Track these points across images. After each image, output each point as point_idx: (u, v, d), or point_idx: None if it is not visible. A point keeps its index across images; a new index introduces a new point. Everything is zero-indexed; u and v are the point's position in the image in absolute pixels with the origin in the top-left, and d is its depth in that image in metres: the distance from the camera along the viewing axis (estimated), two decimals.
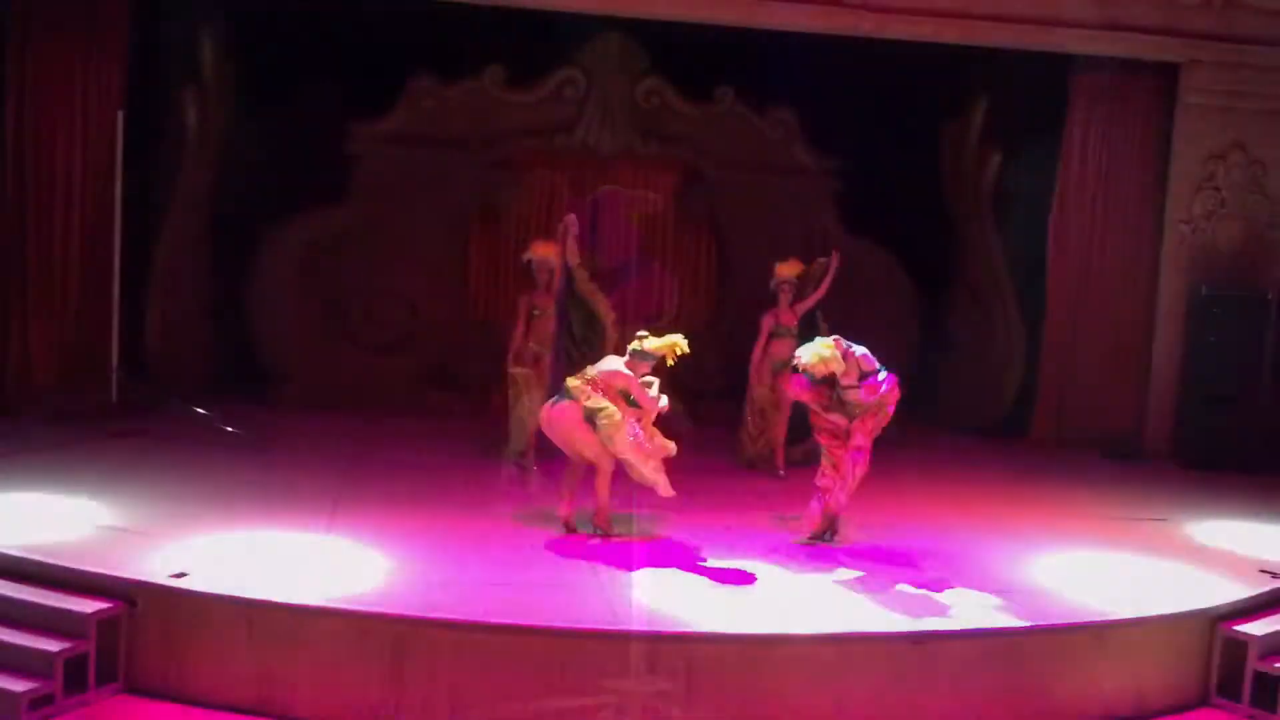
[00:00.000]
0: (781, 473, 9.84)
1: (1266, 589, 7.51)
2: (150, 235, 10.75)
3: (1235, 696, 7.02)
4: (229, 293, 11.41)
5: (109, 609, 6.27)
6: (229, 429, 9.61)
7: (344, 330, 11.64)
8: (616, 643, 6.26)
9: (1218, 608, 7.23)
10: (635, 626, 6.34)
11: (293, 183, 11.29)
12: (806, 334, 9.05)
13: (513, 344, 9.55)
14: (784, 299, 9.94)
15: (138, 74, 10.47)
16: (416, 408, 11.40)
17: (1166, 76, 11.14)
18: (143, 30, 10.56)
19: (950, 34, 10.75)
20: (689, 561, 7.44)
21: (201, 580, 6.44)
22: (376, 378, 11.54)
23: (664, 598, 6.75)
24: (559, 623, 6.31)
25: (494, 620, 6.27)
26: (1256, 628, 7.12)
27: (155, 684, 6.32)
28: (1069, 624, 6.83)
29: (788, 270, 9.97)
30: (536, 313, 9.53)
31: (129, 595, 6.35)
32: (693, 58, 11.63)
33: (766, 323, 9.98)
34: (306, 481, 8.66)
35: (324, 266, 11.60)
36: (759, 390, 10.05)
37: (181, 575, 6.45)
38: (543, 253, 9.53)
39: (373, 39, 11.17)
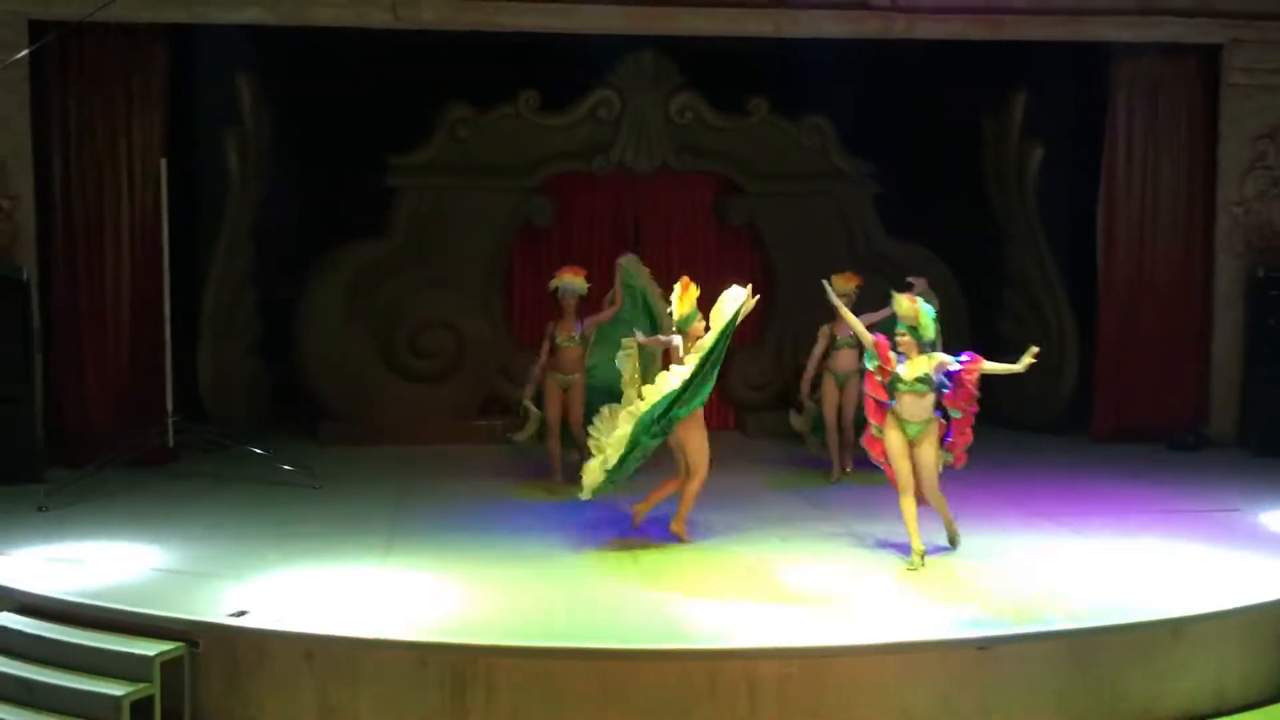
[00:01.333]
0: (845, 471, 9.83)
1: None
2: (198, 278, 10.89)
3: None
4: (277, 331, 11.53)
5: (172, 650, 6.32)
6: (284, 466, 9.68)
7: (391, 362, 11.69)
8: (676, 661, 6.21)
9: None
10: (695, 644, 6.28)
11: (335, 218, 11.42)
12: None
13: (535, 374, 9.52)
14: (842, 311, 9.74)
15: (179, 120, 10.65)
16: (465, 436, 11.43)
17: (1208, 58, 10.96)
18: (182, 77, 10.75)
19: (980, 31, 10.67)
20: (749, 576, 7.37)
21: (261, 618, 6.48)
22: (425, 408, 11.59)
23: (722, 612, 6.68)
24: (617, 644, 6.26)
25: (552, 644, 6.24)
26: None
27: (218, 718, 6.36)
28: (1142, 621, 6.67)
29: (844, 284, 9.73)
30: (560, 340, 9.45)
31: (191, 636, 6.40)
32: (725, 70, 11.63)
33: (824, 333, 9.85)
34: (360, 514, 8.70)
35: (369, 300, 11.68)
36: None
37: (241, 614, 6.50)
38: (570, 279, 9.50)
39: (407, 71, 11.27)
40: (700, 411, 7.92)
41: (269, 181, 11.35)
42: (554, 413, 9.51)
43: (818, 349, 9.89)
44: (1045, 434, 11.57)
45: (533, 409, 9.52)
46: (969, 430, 7.89)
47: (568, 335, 9.43)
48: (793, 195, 11.99)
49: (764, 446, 11.43)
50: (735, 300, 7.83)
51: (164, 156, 10.02)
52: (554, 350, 9.45)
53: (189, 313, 10.66)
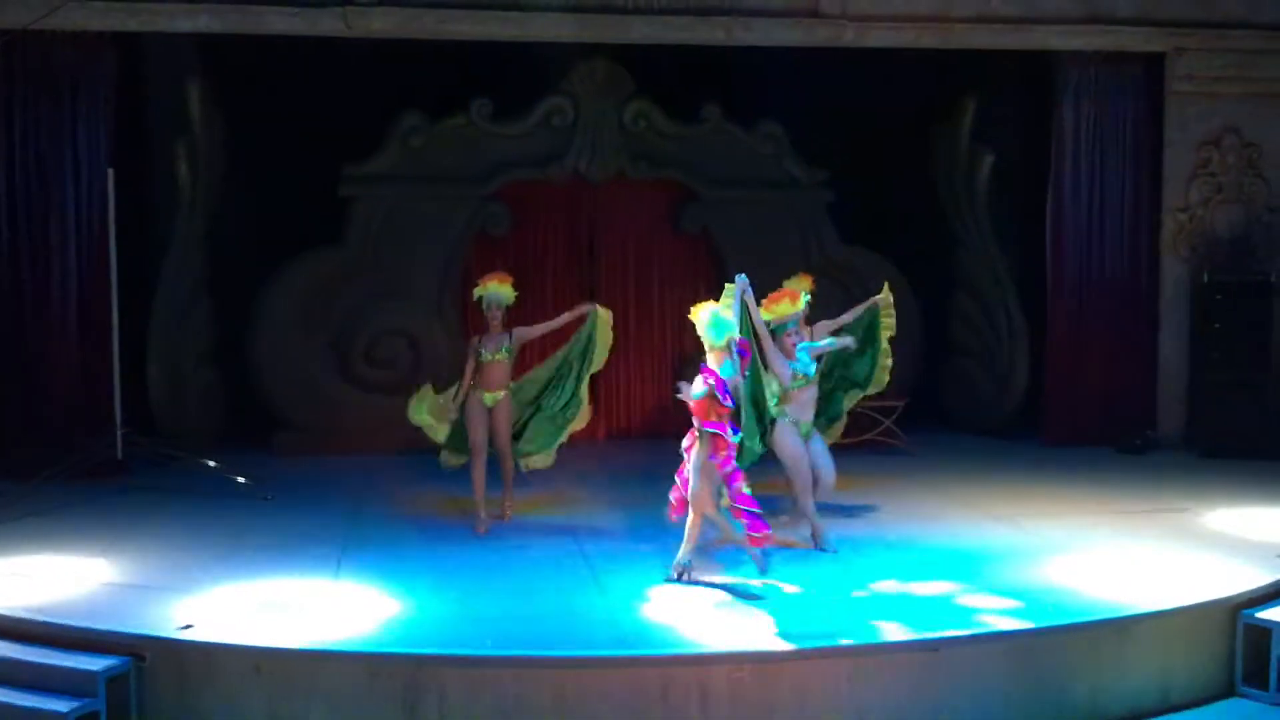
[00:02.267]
0: None
1: None
2: (147, 289, 10.78)
3: (1261, 685, 6.93)
4: (229, 341, 11.43)
5: (118, 665, 6.24)
6: (237, 479, 9.60)
7: (346, 372, 11.62)
8: (629, 669, 6.21)
9: (1240, 596, 7.16)
10: (647, 652, 6.28)
11: (288, 228, 11.33)
12: None
13: (460, 391, 8.60)
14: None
15: (129, 128, 10.53)
16: (422, 445, 11.36)
17: (1153, 66, 11.12)
18: (131, 85, 10.64)
19: (930, 39, 10.77)
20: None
21: (210, 631, 6.42)
22: (380, 418, 11.50)
23: (674, 619, 6.69)
24: (569, 653, 6.25)
25: (504, 654, 6.22)
26: (1279, 614, 7.02)
27: None
28: (1090, 621, 6.74)
29: (800, 283, 9.53)
30: (486, 356, 8.56)
31: (137, 650, 6.32)
32: (678, 78, 11.67)
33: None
34: (313, 526, 8.64)
35: (323, 310, 11.60)
36: None
37: (188, 627, 6.43)
38: (495, 286, 8.63)
39: (360, 80, 11.22)
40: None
41: (222, 190, 11.26)
42: (477, 435, 8.56)
43: None
44: (996, 437, 11.69)
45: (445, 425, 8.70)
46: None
47: (492, 351, 8.58)
48: (747, 202, 12.02)
49: None
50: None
51: (111, 166, 9.93)
52: (478, 367, 8.55)
53: (140, 323, 10.56)
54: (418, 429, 8.86)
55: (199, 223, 11.11)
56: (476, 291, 8.80)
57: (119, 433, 9.76)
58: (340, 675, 6.23)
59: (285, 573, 7.50)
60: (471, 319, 12.09)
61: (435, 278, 11.78)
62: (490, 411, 8.63)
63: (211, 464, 9.83)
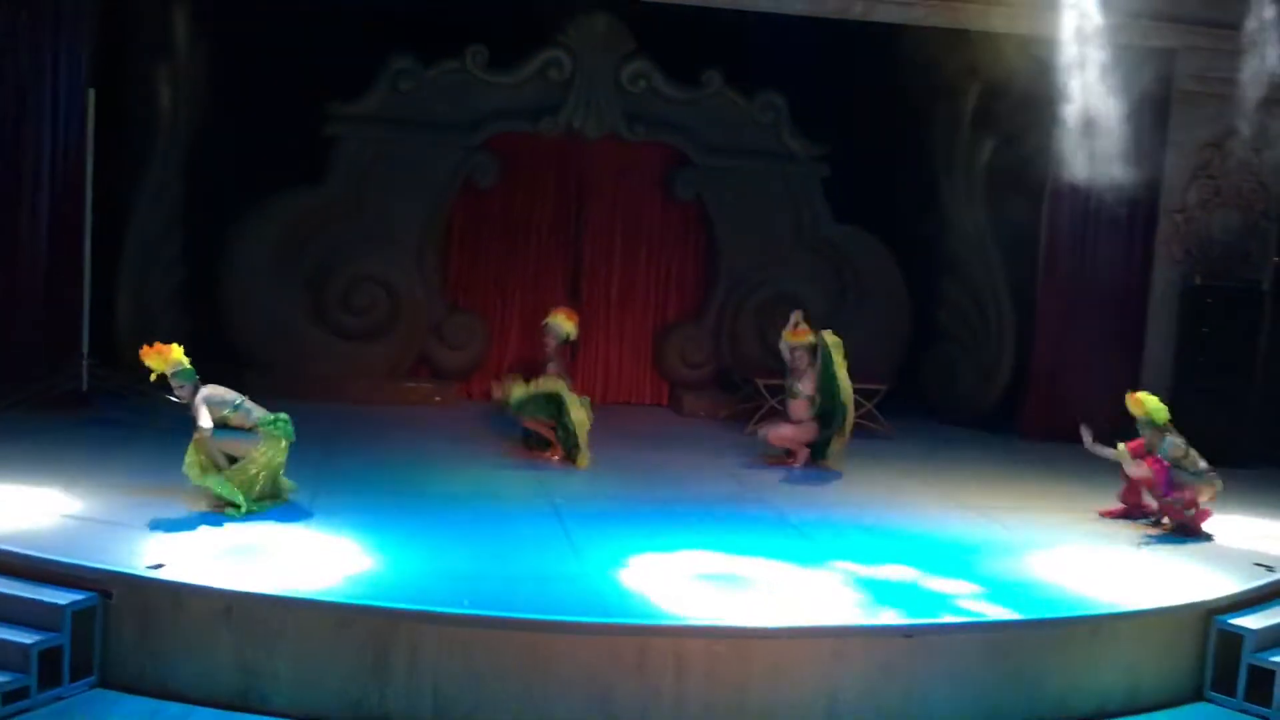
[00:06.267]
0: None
1: (1261, 582, 7.47)
2: (122, 219, 10.49)
3: (1230, 690, 6.97)
4: (203, 277, 11.17)
5: (84, 601, 6.09)
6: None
7: (321, 316, 11.41)
8: (605, 636, 6.14)
9: (1212, 601, 7.18)
10: (624, 620, 6.21)
11: (269, 164, 11.06)
12: None
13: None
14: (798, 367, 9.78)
15: (109, 52, 10.21)
16: (395, 396, 11.22)
17: (1161, 62, 11.04)
18: (114, 6, 10.30)
19: (940, 17, 10.64)
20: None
21: (179, 571, 6.26)
22: (355, 365, 11.35)
23: (652, 589, 6.61)
24: (544, 616, 6.16)
25: (478, 613, 6.12)
26: (1251, 621, 7.07)
27: (132, 677, 6.16)
28: (1063, 617, 6.75)
29: (797, 338, 9.78)
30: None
31: (105, 586, 6.18)
32: (681, 40, 11.48)
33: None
34: (284, 471, 8.45)
35: (301, 251, 11.38)
36: None
37: (159, 566, 6.28)
38: (561, 322, 9.65)
39: (352, 17, 10.94)
40: None
41: (202, 120, 10.97)
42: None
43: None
44: (977, 428, 11.66)
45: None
46: None
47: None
48: (742, 172, 11.91)
49: (697, 426, 11.40)
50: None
51: (92, 86, 9.61)
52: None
53: (110, 253, 10.28)
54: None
55: (177, 152, 10.85)
56: (544, 321, 9.76)
57: (84, 364, 9.50)
58: (310, 624, 6.12)
59: (256, 516, 7.34)
60: (454, 269, 11.94)
61: (417, 226, 11.59)
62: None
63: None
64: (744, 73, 11.83)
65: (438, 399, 11.48)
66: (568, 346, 9.96)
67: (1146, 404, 8.64)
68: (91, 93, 9.59)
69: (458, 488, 8.50)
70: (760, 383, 11.00)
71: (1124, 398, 8.91)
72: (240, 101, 11.09)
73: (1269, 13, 10.17)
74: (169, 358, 7.62)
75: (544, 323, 9.78)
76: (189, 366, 7.62)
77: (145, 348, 7.72)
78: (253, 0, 10.79)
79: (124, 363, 10.25)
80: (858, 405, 10.79)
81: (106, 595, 6.13)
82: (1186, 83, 11.02)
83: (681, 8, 10.60)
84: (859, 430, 10.81)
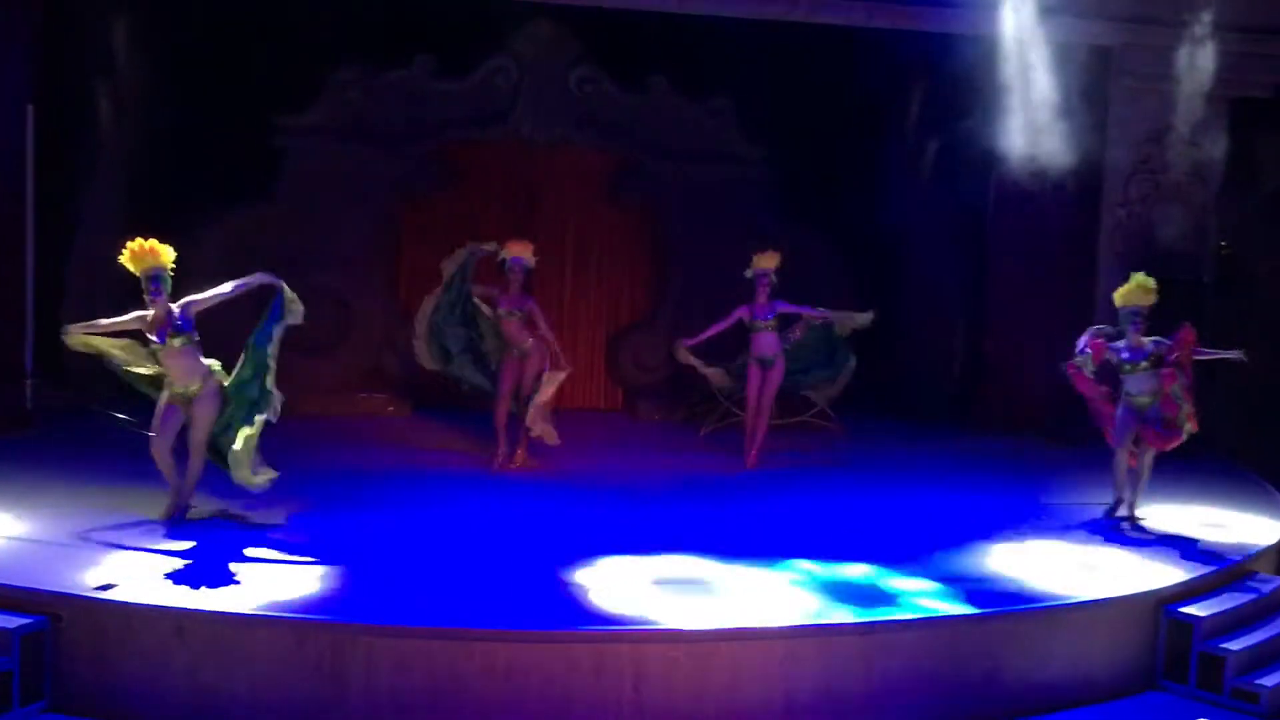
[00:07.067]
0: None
1: (1209, 570, 7.58)
2: (67, 235, 10.35)
3: (1181, 678, 7.07)
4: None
5: (33, 624, 6.00)
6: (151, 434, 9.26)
7: None
8: (562, 644, 6.14)
9: (1162, 590, 7.28)
10: (581, 628, 6.21)
11: (217, 178, 10.95)
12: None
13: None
14: (762, 292, 9.63)
15: (50, 67, 10.07)
16: (349, 408, 11.15)
17: (1102, 59, 11.19)
18: (53, 19, 10.16)
19: (883, 19, 10.73)
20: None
21: (129, 591, 6.20)
22: (306, 378, 11.23)
23: (608, 596, 6.61)
24: (500, 625, 6.15)
25: (435, 625, 6.10)
26: (1200, 609, 7.18)
27: (84, 701, 6.09)
28: (1016, 610, 6.81)
29: (767, 262, 9.66)
30: (503, 313, 9.23)
31: (54, 609, 6.09)
32: (627, 45, 11.50)
33: (740, 313, 9.70)
34: (234, 488, 8.36)
35: (249, 264, 11.22)
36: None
37: (108, 587, 6.21)
38: (518, 252, 9.24)
39: (298, 27, 10.86)
40: None
41: (148, 134, 10.84)
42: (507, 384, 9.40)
43: (723, 324, 9.78)
44: (932, 424, 11.74)
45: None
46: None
47: (509, 310, 9.27)
48: (691, 175, 11.94)
49: (652, 429, 11.43)
50: None
51: (31, 103, 9.48)
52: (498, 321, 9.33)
53: (55, 269, 10.13)
54: None
55: (121, 167, 10.73)
56: (500, 254, 9.25)
57: (28, 382, 9.36)
58: (265, 640, 6.07)
59: (207, 534, 7.26)
60: (404, 278, 11.86)
61: (366, 236, 11.51)
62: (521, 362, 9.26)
63: (124, 418, 9.45)
64: (691, 77, 11.86)
65: (391, 409, 11.42)
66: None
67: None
68: (30, 109, 9.45)
69: (412, 499, 8.47)
70: (715, 384, 11.02)
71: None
72: (186, 115, 10.97)
73: (1205, 9, 10.35)
74: (156, 259, 7.16)
75: (502, 258, 9.34)
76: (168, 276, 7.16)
77: (132, 244, 7.23)
78: (195, 13, 10.69)
79: (70, 381, 10.14)
80: (810, 405, 10.87)
81: (56, 618, 6.05)
82: (1126, 79, 11.16)
83: (627, 12, 10.63)
84: (812, 428, 10.90)
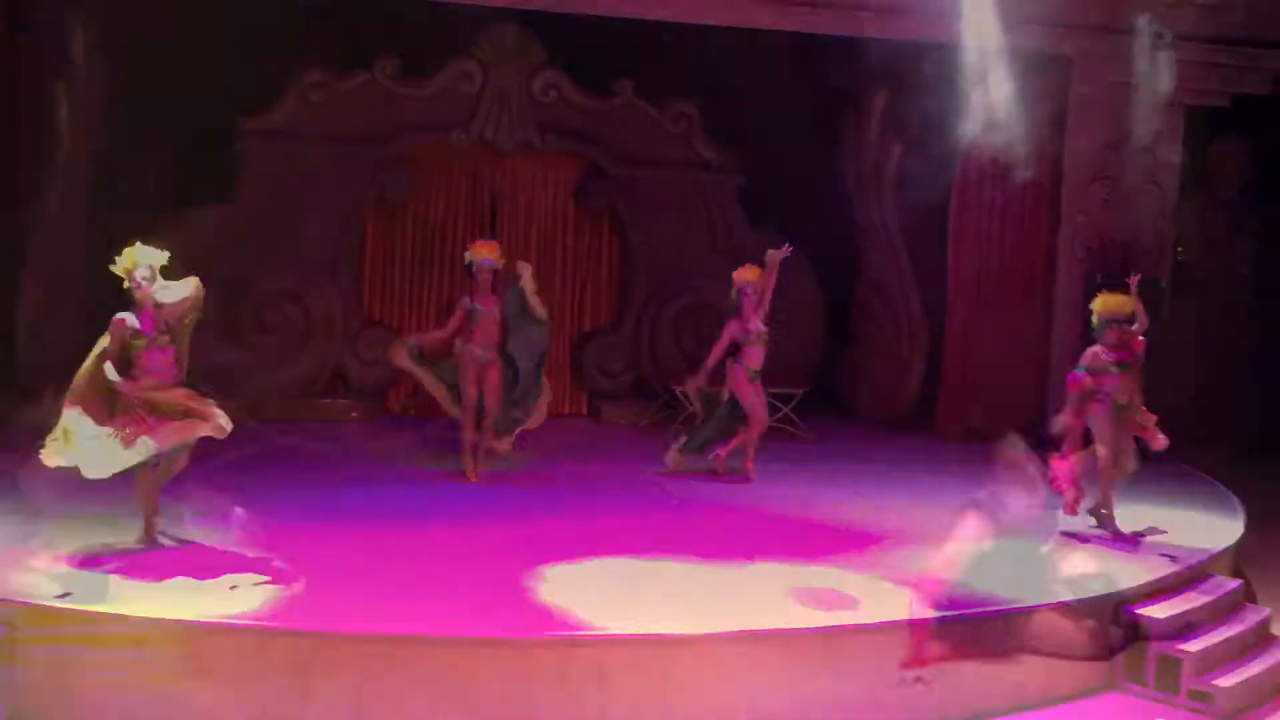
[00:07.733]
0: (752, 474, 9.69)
1: (1168, 572, 7.66)
2: (21, 244, 10.22)
3: (1140, 680, 7.13)
4: (111, 300, 10.89)
5: None
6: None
7: (234, 335, 11.22)
8: (526, 649, 6.12)
9: (1121, 592, 7.34)
10: (545, 633, 6.20)
11: (178, 182, 10.85)
12: None
13: (427, 339, 9.40)
14: (748, 305, 9.45)
15: (6, 68, 9.95)
16: (311, 413, 11.08)
17: (1060, 67, 11.31)
18: (10, 21, 10.05)
19: (846, 26, 10.80)
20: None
21: (87, 599, 6.12)
22: (269, 382, 11.16)
23: (573, 600, 6.60)
24: (463, 631, 6.13)
25: (396, 631, 6.07)
26: (1159, 611, 7.25)
27: (41, 713, 5.99)
28: (977, 614, 6.85)
29: (748, 275, 9.50)
30: (481, 312, 9.13)
31: (8, 619, 6.00)
32: (592, 50, 11.51)
33: (732, 330, 9.44)
34: (195, 493, 8.28)
35: (212, 268, 11.12)
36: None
37: (65, 595, 6.13)
38: (485, 254, 9.16)
39: (260, 28, 10.78)
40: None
41: (106, 139, 10.72)
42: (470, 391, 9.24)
43: (721, 345, 9.51)
44: (892, 429, 11.84)
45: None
46: None
47: (485, 311, 9.14)
48: (656, 181, 11.99)
49: (616, 435, 11.43)
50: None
51: None
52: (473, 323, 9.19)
53: (11, 279, 10.01)
54: None
55: (81, 171, 10.59)
56: (467, 257, 9.27)
57: None
58: (227, 649, 6.01)
59: (167, 540, 7.21)
60: (368, 282, 11.81)
61: (329, 240, 11.48)
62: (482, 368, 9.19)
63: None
64: (656, 83, 11.91)
65: (354, 415, 11.37)
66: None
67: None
68: None
69: (375, 504, 8.43)
70: (678, 389, 11.05)
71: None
72: (146, 117, 10.86)
73: (1163, 19, 10.51)
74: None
75: (469, 261, 9.25)
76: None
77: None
78: (155, 16, 10.58)
79: (26, 388, 10.01)
80: (775, 409, 10.88)
81: (11, 628, 5.96)
82: (1084, 87, 11.30)
83: (592, 18, 10.64)
84: (778, 434, 10.92)
